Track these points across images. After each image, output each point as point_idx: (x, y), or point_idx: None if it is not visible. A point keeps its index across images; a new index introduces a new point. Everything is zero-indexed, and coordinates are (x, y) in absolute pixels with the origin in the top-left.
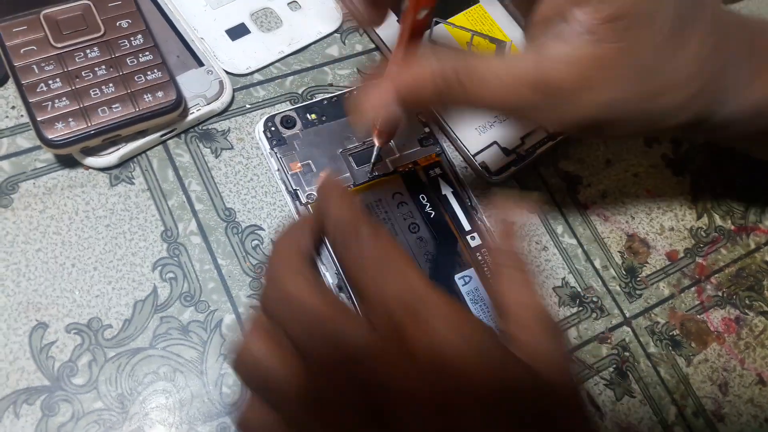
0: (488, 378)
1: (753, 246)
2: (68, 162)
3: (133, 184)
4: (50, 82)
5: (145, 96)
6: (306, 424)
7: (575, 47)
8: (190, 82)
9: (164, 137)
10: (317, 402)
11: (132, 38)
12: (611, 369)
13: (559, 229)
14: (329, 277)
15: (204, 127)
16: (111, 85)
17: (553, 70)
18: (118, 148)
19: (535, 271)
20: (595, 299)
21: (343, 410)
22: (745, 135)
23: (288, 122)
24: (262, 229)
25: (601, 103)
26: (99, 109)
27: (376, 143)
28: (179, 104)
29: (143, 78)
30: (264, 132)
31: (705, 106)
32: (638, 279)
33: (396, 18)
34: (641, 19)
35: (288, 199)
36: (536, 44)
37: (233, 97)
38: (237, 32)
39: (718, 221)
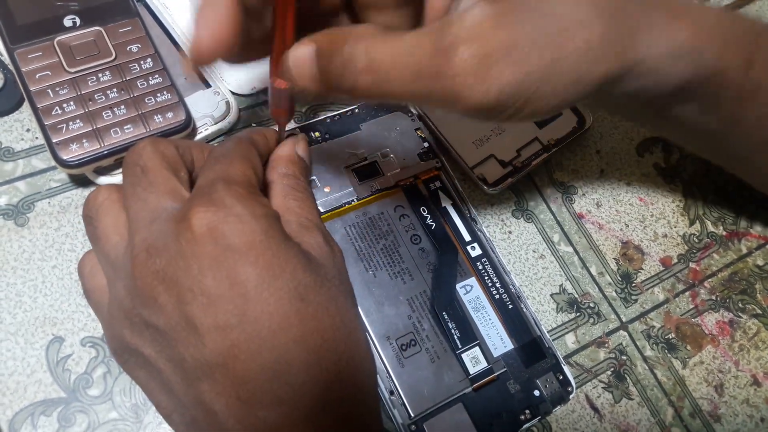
0: (267, 255)
1: (744, 251)
2: (82, 181)
3: None
4: (64, 105)
5: (156, 117)
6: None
7: (472, 15)
8: (198, 103)
9: None
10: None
11: (142, 62)
12: (609, 372)
13: (556, 237)
14: None
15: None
16: (123, 107)
17: (457, 39)
18: None
19: (305, 186)
20: (592, 305)
21: None
22: (677, 87)
23: None
24: None
25: (509, 67)
26: (111, 131)
27: (279, 123)
28: (188, 124)
29: (153, 100)
30: None
31: (624, 48)
32: (633, 285)
33: None
34: None
35: None
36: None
37: (239, 117)
38: None
39: (710, 227)
